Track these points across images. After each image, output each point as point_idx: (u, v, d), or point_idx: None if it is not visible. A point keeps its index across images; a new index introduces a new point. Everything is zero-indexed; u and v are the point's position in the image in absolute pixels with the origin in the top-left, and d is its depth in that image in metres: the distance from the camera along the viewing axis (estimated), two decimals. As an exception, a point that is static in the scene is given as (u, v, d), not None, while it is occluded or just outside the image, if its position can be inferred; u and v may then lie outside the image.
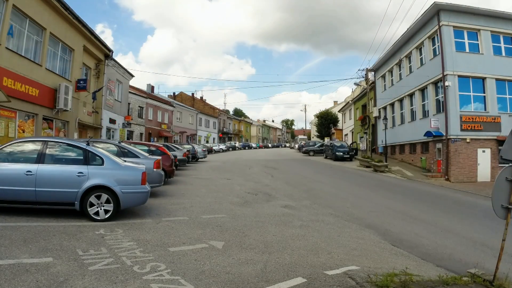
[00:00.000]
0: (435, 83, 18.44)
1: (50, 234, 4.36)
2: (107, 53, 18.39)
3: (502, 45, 17.38)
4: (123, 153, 8.23)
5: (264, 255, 4.17)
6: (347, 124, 42.26)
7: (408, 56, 21.89)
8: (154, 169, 7.90)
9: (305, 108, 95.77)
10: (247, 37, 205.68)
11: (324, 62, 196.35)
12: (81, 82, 14.70)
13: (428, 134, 17.95)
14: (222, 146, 43.22)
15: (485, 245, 6.03)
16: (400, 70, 23.51)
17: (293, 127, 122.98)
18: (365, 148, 28.75)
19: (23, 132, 11.00)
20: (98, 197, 5.26)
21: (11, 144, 5.37)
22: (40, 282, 2.91)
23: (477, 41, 17.33)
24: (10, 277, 2.96)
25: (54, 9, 12.19)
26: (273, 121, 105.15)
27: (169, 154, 11.03)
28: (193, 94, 55.19)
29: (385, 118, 24.62)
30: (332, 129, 47.31)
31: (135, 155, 8.33)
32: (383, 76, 26.89)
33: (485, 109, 17.10)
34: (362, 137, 31.85)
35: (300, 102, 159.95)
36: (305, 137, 68.60)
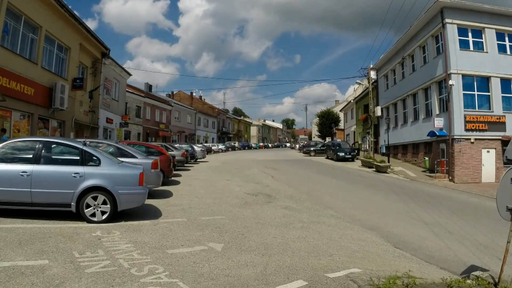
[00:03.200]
0: (439, 82, 18.27)
1: (46, 236, 4.32)
2: (104, 52, 18.25)
3: (507, 43, 17.17)
4: (120, 153, 8.13)
5: (264, 257, 4.12)
6: (349, 123, 42.06)
7: (411, 55, 21.71)
8: (152, 170, 7.79)
9: (306, 107, 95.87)
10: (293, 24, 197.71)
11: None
12: (77, 81, 14.58)
13: (431, 134, 17.78)
14: (221, 146, 42.95)
15: (490, 247, 5.94)
16: (403, 68, 23.33)
17: (293, 126, 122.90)
18: (367, 148, 28.58)
19: (18, 131, 10.91)
20: (95, 198, 5.19)
21: (6, 144, 5.30)
22: (36, 285, 2.87)
23: (482, 39, 17.13)
24: (5, 280, 2.93)
25: (50, 6, 12.08)
26: (273, 120, 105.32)
27: (167, 154, 10.91)
28: (191, 93, 54.99)
29: (388, 118, 24.44)
30: (334, 129, 47.12)
31: (132, 156, 8.23)
32: (386, 75, 26.72)
33: (489, 109, 16.91)
34: (365, 137, 31.68)
35: (335, 96, 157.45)
36: (306, 137, 68.52)
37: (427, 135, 18.23)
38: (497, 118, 16.69)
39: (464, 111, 16.53)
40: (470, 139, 16.46)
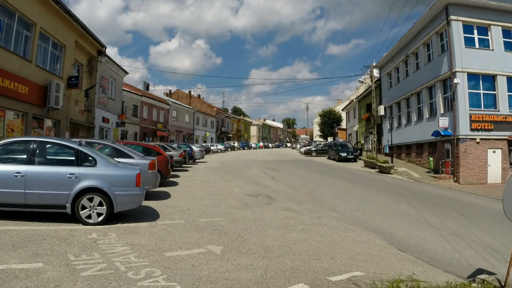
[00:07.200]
0: (443, 81, 18.04)
1: (40, 239, 4.27)
2: (100, 49, 18.09)
3: (514, 41, 16.92)
4: (117, 153, 8.05)
5: (264, 260, 4.05)
6: (351, 123, 41.82)
7: (415, 52, 21.47)
8: (149, 170, 7.69)
9: (307, 106, 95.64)
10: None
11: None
12: (72, 79, 14.43)
13: (436, 133, 17.57)
14: (221, 146, 42.70)
15: (496, 249, 5.81)
16: (406, 67, 23.08)
17: (294, 126, 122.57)
18: (370, 148, 28.37)
19: (12, 131, 10.82)
20: (91, 200, 5.11)
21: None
22: (30, 289, 2.82)
23: (488, 36, 16.87)
24: (-2, 284, 2.89)
25: (45, 3, 11.99)
26: (273, 120, 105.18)
27: (165, 155, 10.79)
28: (190, 91, 54.85)
29: (391, 117, 24.22)
30: (336, 128, 46.87)
31: (129, 156, 8.12)
32: (389, 73, 26.47)
33: (495, 108, 16.66)
34: (367, 136, 31.47)
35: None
36: (307, 136, 68.32)
37: (432, 135, 18.02)
38: (503, 118, 16.44)
39: (470, 110, 16.30)
40: (475, 139, 16.23)
